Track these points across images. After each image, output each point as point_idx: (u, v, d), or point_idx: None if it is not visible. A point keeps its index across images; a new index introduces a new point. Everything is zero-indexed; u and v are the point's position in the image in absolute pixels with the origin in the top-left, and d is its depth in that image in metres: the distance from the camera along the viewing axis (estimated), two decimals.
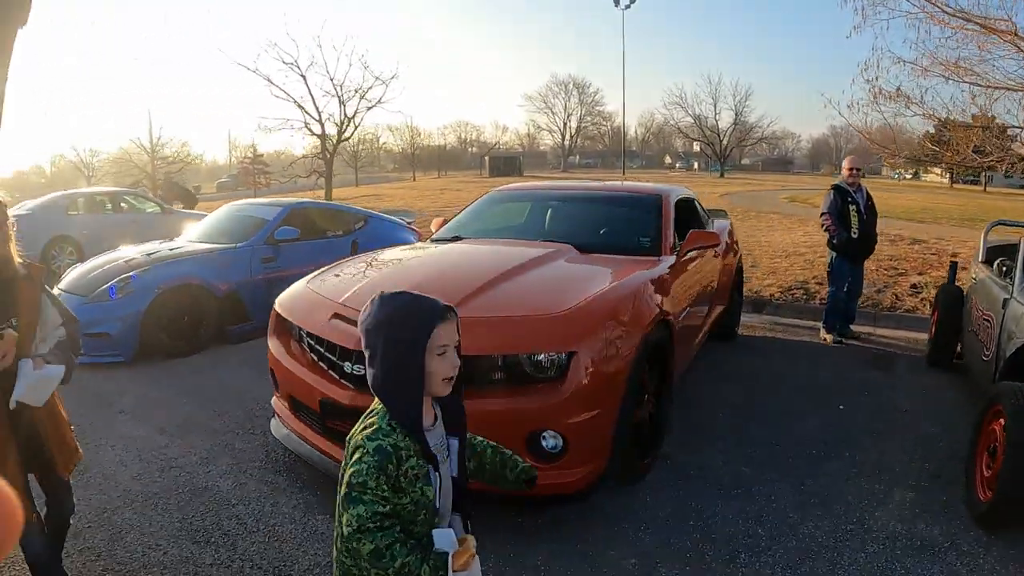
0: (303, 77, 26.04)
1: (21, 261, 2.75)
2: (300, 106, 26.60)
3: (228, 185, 65.46)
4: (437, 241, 6.02)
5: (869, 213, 8.00)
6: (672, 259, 5.21)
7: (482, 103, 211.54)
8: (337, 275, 4.88)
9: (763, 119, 72.15)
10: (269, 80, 25.77)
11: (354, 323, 3.40)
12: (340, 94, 26.75)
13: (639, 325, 3.95)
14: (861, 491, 4.23)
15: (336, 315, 4.05)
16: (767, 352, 7.55)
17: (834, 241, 8.00)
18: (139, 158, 39.99)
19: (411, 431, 1.81)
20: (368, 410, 1.92)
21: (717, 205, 24.31)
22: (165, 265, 7.84)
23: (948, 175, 62.24)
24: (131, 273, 7.50)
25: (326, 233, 9.71)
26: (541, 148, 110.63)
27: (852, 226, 7.85)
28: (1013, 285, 5.10)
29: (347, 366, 3.79)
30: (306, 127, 27.44)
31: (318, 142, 27.91)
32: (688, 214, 6.70)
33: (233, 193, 53.81)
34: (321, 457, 4.00)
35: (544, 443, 3.54)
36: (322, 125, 27.16)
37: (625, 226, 5.90)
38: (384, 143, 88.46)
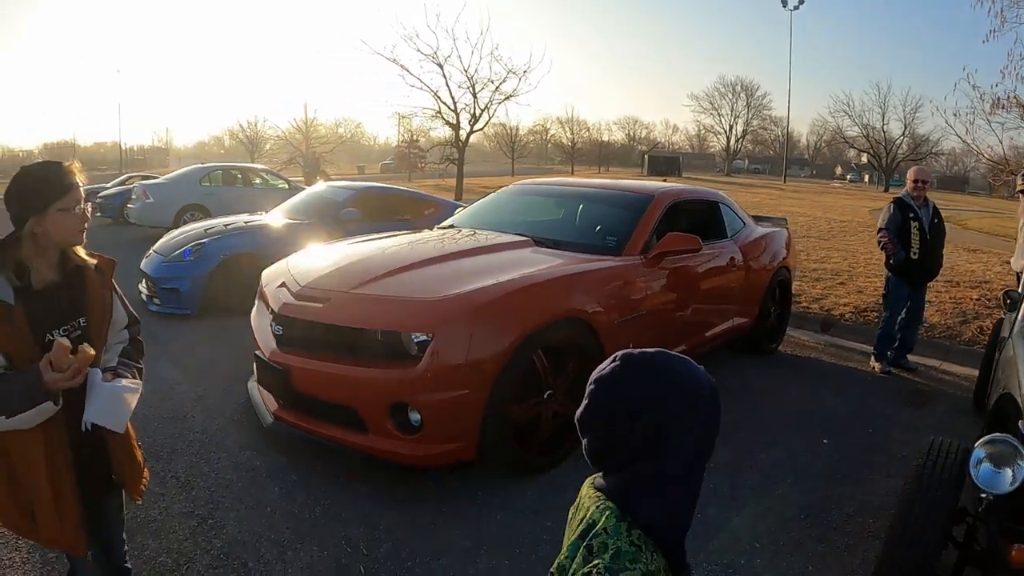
0: (440, 67, 26.65)
1: (90, 253, 2.40)
2: (436, 96, 27.28)
3: (390, 167, 67.80)
4: (442, 228, 6.34)
5: (934, 232, 7.36)
6: (636, 259, 5.30)
7: (653, 101, 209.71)
8: (316, 253, 5.53)
9: (935, 132, 67.22)
10: (407, 70, 26.53)
11: (289, 291, 4.53)
12: (473, 85, 27.20)
13: (523, 320, 4.14)
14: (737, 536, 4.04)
15: (283, 284, 4.69)
16: (796, 372, 7.31)
17: (891, 261, 7.38)
18: (293, 137, 42.20)
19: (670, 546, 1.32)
20: (584, 507, 1.43)
21: (854, 219, 23.57)
22: (233, 236, 8.88)
23: None
24: (204, 240, 8.60)
25: (394, 217, 10.08)
26: (710, 150, 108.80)
27: (912, 245, 7.24)
28: (1014, 323, 4.57)
29: (272, 326, 4.50)
30: (439, 115, 28.10)
31: (451, 131, 28.57)
32: (701, 218, 6.74)
33: (393, 175, 55.67)
34: (261, 404, 4.67)
35: (409, 416, 3.90)
36: (456, 115, 27.74)
37: (596, 224, 6.04)
38: (552, 135, 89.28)
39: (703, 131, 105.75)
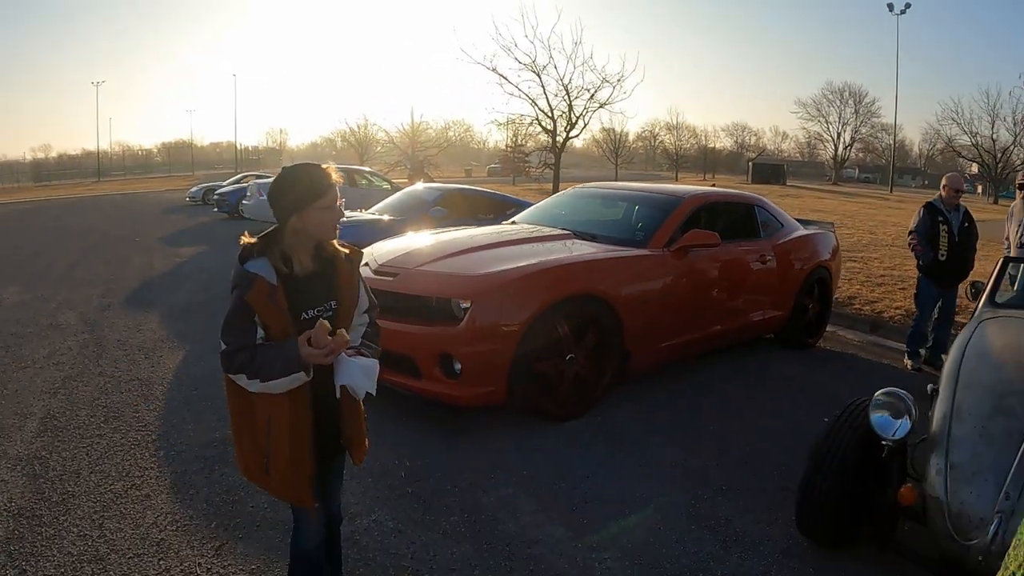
0: (538, 75, 27.76)
1: (342, 244, 2.69)
2: (534, 103, 28.42)
3: (496, 171, 69.15)
4: (504, 224, 7.52)
5: (963, 235, 7.89)
6: (659, 251, 6.42)
7: (761, 107, 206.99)
8: (394, 240, 6.91)
9: None
10: (505, 79, 27.74)
11: (370, 269, 5.77)
12: (568, 94, 28.21)
13: (543, 294, 5.33)
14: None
15: (366, 264, 5.88)
16: (827, 364, 8.06)
17: (920, 262, 8.02)
18: (402, 141, 43.70)
19: None
20: None
21: None
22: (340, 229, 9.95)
23: None
24: None
25: (477, 215, 11.23)
26: (819, 158, 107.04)
27: (941, 248, 7.80)
28: (974, 311, 5.38)
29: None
30: (537, 122, 29.19)
31: (548, 137, 29.66)
32: (735, 218, 7.82)
33: (499, 178, 56.96)
34: None
35: (453, 364, 5.12)
36: (554, 122, 28.79)
37: (632, 221, 7.29)
38: (660, 140, 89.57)
39: (812, 138, 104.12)
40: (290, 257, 2.51)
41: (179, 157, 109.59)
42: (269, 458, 2.58)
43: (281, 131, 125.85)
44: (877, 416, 3.66)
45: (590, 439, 5.32)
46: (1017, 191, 8.22)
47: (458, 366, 5.08)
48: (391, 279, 5.50)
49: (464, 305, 5.09)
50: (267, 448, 2.57)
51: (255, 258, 2.47)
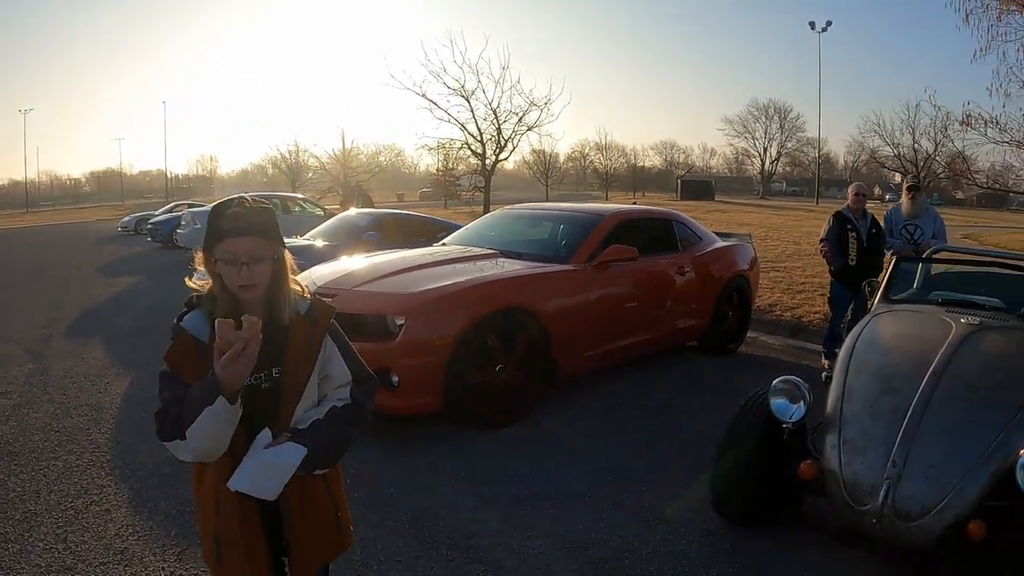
0: (467, 100, 28.27)
1: (306, 297, 2.30)
2: (463, 127, 28.91)
3: (428, 195, 69.35)
4: (435, 245, 7.91)
5: (871, 241, 8.47)
6: (581, 266, 6.93)
7: (689, 125, 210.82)
8: (332, 263, 7.29)
9: (968, 148, 66.13)
10: (435, 104, 28.20)
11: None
12: (497, 118, 28.78)
13: (472, 309, 5.80)
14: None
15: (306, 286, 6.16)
16: (749, 367, 8.60)
17: (831, 268, 8.68)
18: (333, 167, 43.87)
19: None
20: None
21: None
22: None
23: None
24: None
25: (410, 239, 11.58)
26: (747, 173, 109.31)
27: (850, 253, 8.44)
28: (870, 307, 5.92)
29: None
30: (467, 146, 29.66)
31: (478, 161, 30.17)
32: (654, 233, 8.40)
33: (431, 202, 57.22)
34: None
35: (391, 377, 5.52)
36: (483, 145, 29.30)
37: (555, 239, 7.77)
38: (590, 161, 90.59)
39: (739, 154, 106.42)
40: (230, 311, 2.06)
41: (109, 186, 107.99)
42: (219, 544, 2.20)
43: (211, 158, 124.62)
44: (776, 402, 4.10)
45: (523, 443, 5.74)
46: (904, 193, 8.97)
47: (396, 379, 5.48)
48: (330, 299, 5.77)
49: (399, 321, 5.51)
50: (216, 532, 2.19)
51: (194, 309, 2.16)
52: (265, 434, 2.11)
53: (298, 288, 2.31)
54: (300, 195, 25.19)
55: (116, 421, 6.13)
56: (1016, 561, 3.50)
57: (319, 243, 11.25)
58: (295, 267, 2.32)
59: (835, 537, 3.91)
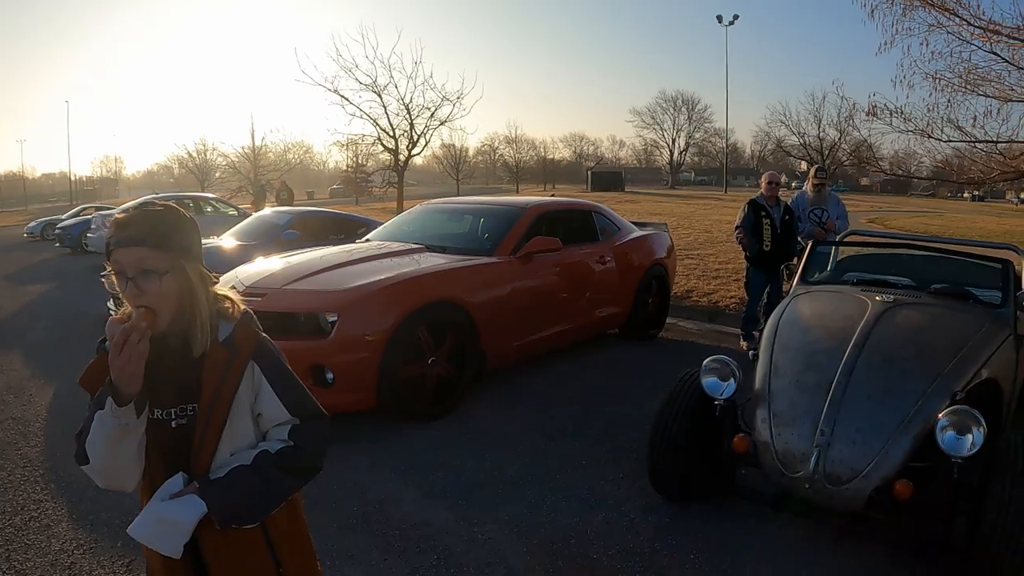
0: (379, 95, 28.06)
1: (233, 317, 1.97)
2: (376, 123, 28.72)
3: (339, 191, 68.70)
4: (359, 242, 7.87)
5: (785, 227, 8.83)
6: (506, 258, 7.08)
7: (599, 117, 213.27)
8: (258, 263, 7.21)
9: (873, 137, 68.45)
10: (347, 99, 27.91)
11: (237, 291, 5.79)
12: (409, 113, 28.67)
13: (403, 303, 5.87)
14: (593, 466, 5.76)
15: (232, 287, 6.09)
16: (670, 352, 8.86)
17: (747, 253, 9.02)
18: (243, 165, 43.15)
19: None
20: None
21: None
22: None
23: None
24: None
25: (329, 236, 11.52)
26: (656, 164, 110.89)
27: (765, 239, 8.81)
28: (789, 289, 6.28)
29: None
30: (379, 141, 29.47)
31: (390, 156, 29.98)
32: (574, 224, 8.58)
33: (342, 199, 56.67)
34: None
35: (325, 374, 5.56)
36: (395, 140, 29.15)
37: (479, 232, 7.93)
38: (500, 154, 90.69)
39: (648, 145, 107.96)
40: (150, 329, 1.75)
41: (11, 191, 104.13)
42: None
43: (117, 159, 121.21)
44: (707, 380, 4.32)
45: (458, 434, 5.85)
46: (811, 183, 9.54)
47: (330, 375, 5.53)
48: (259, 299, 5.85)
49: (331, 318, 5.55)
50: (148, 563, 1.97)
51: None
52: (176, 480, 1.84)
53: (229, 306, 1.99)
54: (212, 195, 24.72)
55: (44, 434, 5.99)
56: (940, 515, 3.79)
57: (229, 243, 11.09)
58: (210, 283, 1.97)
59: (769, 505, 4.12)
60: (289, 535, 2.08)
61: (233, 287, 6.03)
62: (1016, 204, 74.84)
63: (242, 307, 2.03)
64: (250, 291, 5.97)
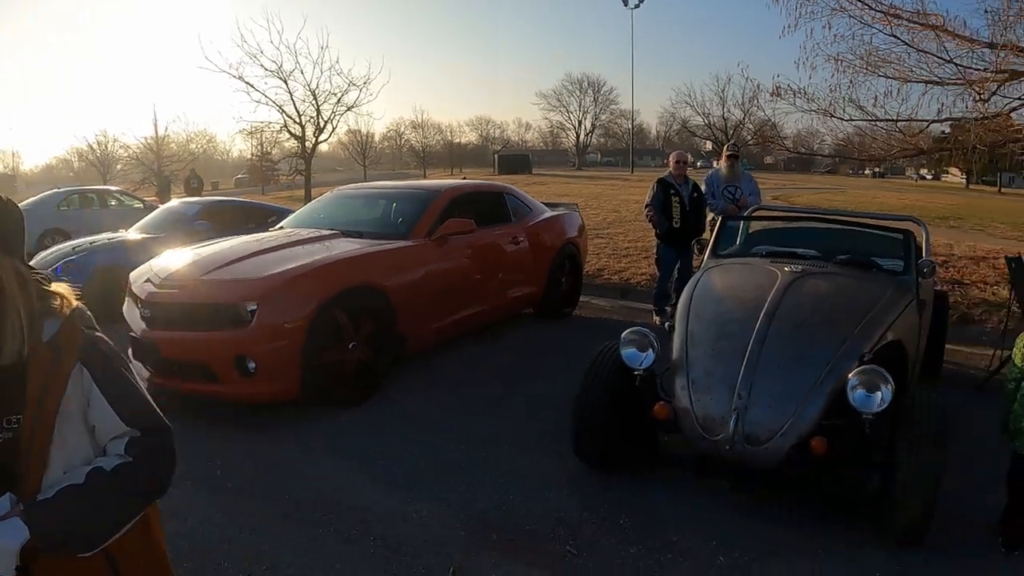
0: (285, 81, 27.63)
1: (62, 313, 1.72)
2: (282, 109, 28.28)
3: (244, 181, 67.43)
4: (273, 230, 7.83)
5: (693, 204, 9.10)
6: (421, 241, 7.17)
7: (506, 101, 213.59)
8: (172, 255, 7.03)
9: (777, 116, 70.32)
10: (251, 86, 27.41)
11: (152, 284, 5.99)
12: (316, 98, 28.32)
13: (322, 289, 5.90)
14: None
15: (148, 280, 6.21)
16: (585, 329, 9.06)
17: (657, 231, 9.22)
18: (146, 156, 42.10)
19: None
20: None
21: None
22: (100, 251, 10.19)
23: (965, 176, 63.12)
24: (73, 256, 9.88)
25: (241, 225, 11.34)
26: (564, 147, 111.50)
27: (674, 216, 8.97)
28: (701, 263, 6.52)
29: (141, 311, 5.96)
30: (286, 128, 29.04)
31: (296, 143, 29.59)
32: (487, 207, 8.66)
33: (249, 188, 55.73)
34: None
35: (247, 364, 5.54)
36: (302, 127, 28.79)
37: (393, 216, 8.02)
38: (406, 139, 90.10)
39: (555, 128, 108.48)
40: None
41: None
42: None
43: (14, 155, 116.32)
44: (627, 351, 4.46)
45: (383, 419, 5.90)
46: (724, 160, 9.69)
47: (252, 365, 5.52)
48: (176, 291, 5.86)
49: (251, 307, 5.53)
50: None
51: None
52: (2, 501, 1.58)
53: (57, 304, 1.74)
54: (116, 188, 24.01)
55: None
56: (854, 469, 4.10)
57: (137, 237, 10.80)
58: (30, 279, 1.70)
59: (691, 468, 4.32)
60: (140, 558, 1.84)
61: (148, 280, 6.00)
62: (915, 180, 78.02)
63: (74, 303, 1.78)
64: (165, 284, 5.96)
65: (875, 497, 4.05)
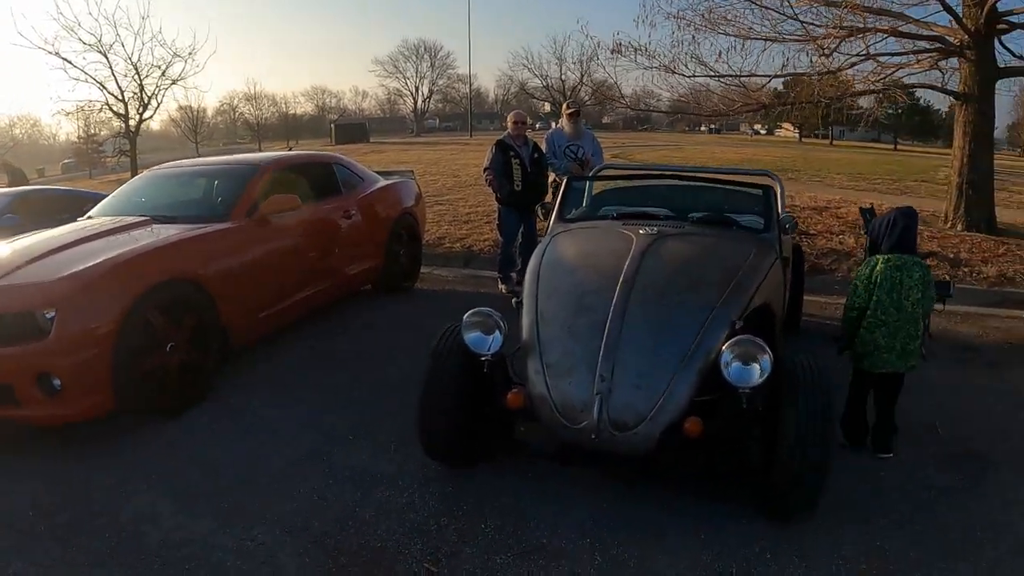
0: (105, 56, 25.84)
1: None
2: (103, 86, 26.49)
3: (72, 166, 64.17)
4: (80, 220, 7.04)
5: (534, 166, 8.80)
6: (242, 222, 6.55)
7: (341, 69, 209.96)
8: None
9: (618, 73, 72.33)
10: (69, 62, 25.48)
11: None
12: (139, 72, 26.63)
13: (129, 287, 5.20)
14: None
15: None
16: (429, 302, 8.82)
17: (498, 195, 8.92)
18: None
19: None
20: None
21: None
22: None
23: (798, 130, 66.27)
24: None
25: (57, 216, 10.42)
26: (402, 114, 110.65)
27: (515, 179, 8.65)
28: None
29: None
30: (108, 107, 27.30)
31: (121, 122, 27.93)
32: (314, 180, 8.09)
33: (77, 173, 53.06)
34: None
35: (52, 381, 4.84)
36: (125, 104, 27.10)
37: (210, 196, 7.35)
38: (240, 113, 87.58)
39: (392, 95, 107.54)
40: None
41: None
42: None
43: None
44: (471, 336, 4.05)
45: (211, 426, 5.34)
46: (566, 118, 9.39)
47: (57, 382, 4.82)
48: None
49: (49, 315, 4.82)
50: None
51: None
52: None
53: None
54: None
55: None
56: (732, 445, 3.79)
57: None
58: None
59: (554, 458, 3.98)
60: None
61: None
62: (751, 135, 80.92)
63: None
64: None
65: (756, 467, 3.78)
